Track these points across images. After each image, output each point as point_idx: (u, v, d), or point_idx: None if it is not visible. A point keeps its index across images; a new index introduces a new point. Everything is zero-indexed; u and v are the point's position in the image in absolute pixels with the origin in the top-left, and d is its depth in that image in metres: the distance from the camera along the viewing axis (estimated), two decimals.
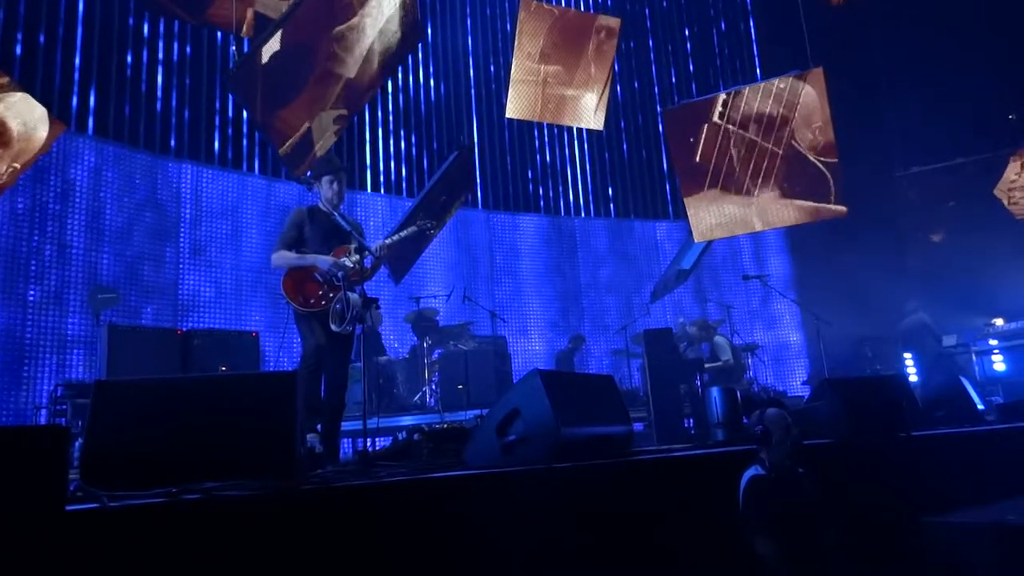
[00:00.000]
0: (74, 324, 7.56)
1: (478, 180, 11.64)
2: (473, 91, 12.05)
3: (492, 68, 12.22)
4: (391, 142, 11.15)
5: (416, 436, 3.88)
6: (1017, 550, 3.31)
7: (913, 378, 9.05)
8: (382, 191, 10.85)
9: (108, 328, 6.35)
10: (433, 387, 8.07)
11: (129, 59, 8.78)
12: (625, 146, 13.20)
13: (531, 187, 12.31)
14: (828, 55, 10.24)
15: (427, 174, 11.16)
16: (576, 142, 12.92)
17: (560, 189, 12.58)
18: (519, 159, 12.33)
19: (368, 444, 4.34)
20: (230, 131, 9.59)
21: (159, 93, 8.96)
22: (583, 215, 12.65)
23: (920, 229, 12.53)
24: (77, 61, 8.30)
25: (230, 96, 9.29)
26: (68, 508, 1.98)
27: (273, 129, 7.47)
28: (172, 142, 8.97)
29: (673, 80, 13.47)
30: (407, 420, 7.32)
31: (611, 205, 12.92)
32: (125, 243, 8.12)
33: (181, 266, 8.61)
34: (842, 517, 3.26)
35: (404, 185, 11.10)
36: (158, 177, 8.62)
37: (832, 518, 3.21)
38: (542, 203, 12.34)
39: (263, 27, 7.53)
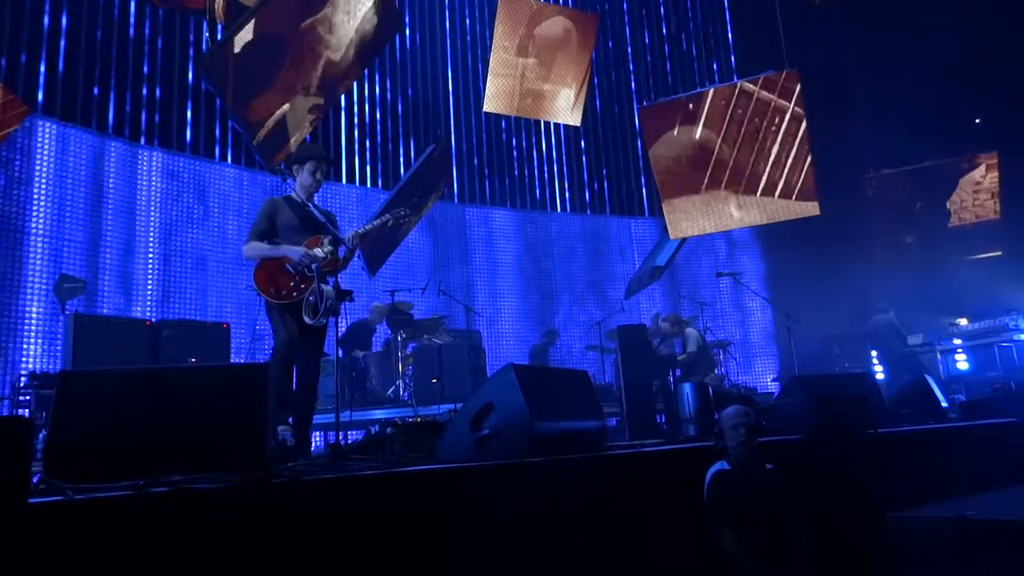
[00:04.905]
0: (38, 313, 7.38)
1: (454, 174, 11.60)
2: (451, 88, 11.99)
3: (471, 60, 12.17)
4: (366, 133, 11.06)
5: (389, 430, 3.86)
6: (978, 545, 3.39)
7: (880, 376, 9.22)
8: (356, 183, 10.77)
9: (74, 318, 6.23)
10: (407, 381, 8.03)
11: (98, 42, 8.57)
12: (601, 142, 13.23)
13: (506, 181, 12.28)
14: (801, 57, 10.36)
15: (403, 167, 11.11)
16: (553, 137, 12.92)
17: (536, 184, 12.58)
18: (495, 153, 12.31)
19: (340, 437, 4.31)
20: (203, 118, 9.43)
21: (129, 78, 8.77)
22: (559, 210, 12.67)
23: (888, 229, 12.76)
24: (44, 43, 8.10)
25: (203, 83, 9.13)
26: (31, 501, 1.93)
27: (245, 118, 7.36)
28: (142, 128, 8.80)
29: (650, 79, 13.53)
30: (380, 414, 7.28)
31: (587, 201, 12.96)
32: (91, 231, 7.95)
33: (151, 256, 8.46)
34: (808, 512, 3.31)
35: (380, 177, 11.02)
36: (127, 164, 8.45)
37: (798, 513, 3.26)
38: (518, 198, 12.34)
39: (237, 13, 7.41)
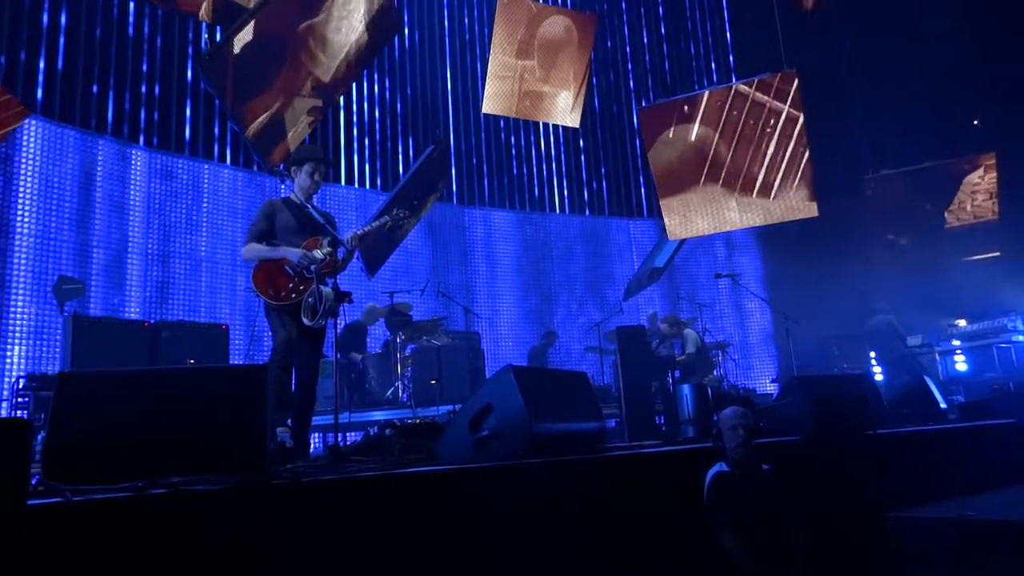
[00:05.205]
0: (37, 315, 7.36)
1: (453, 174, 11.60)
2: (449, 89, 12.00)
3: (469, 59, 12.17)
4: (365, 132, 11.05)
5: (388, 431, 3.86)
6: (977, 545, 3.39)
7: (879, 377, 9.22)
8: (355, 182, 10.77)
9: (72, 319, 6.23)
10: (406, 382, 8.03)
11: (97, 42, 8.57)
12: (600, 142, 13.23)
13: (505, 181, 12.28)
14: (800, 58, 10.37)
15: (402, 166, 11.12)
16: (552, 137, 12.92)
17: (535, 184, 12.58)
18: (494, 152, 12.31)
19: (339, 439, 4.31)
20: (201, 119, 9.42)
21: (128, 77, 8.77)
22: (558, 211, 12.67)
23: (887, 230, 12.77)
24: (43, 44, 8.09)
25: (202, 83, 9.13)
26: (30, 503, 1.93)
27: (244, 119, 7.35)
28: (141, 126, 8.79)
29: (649, 80, 13.55)
30: (379, 415, 7.27)
31: (586, 202, 12.96)
32: (88, 232, 7.94)
33: (149, 256, 8.45)
34: (808, 513, 3.31)
35: (378, 176, 11.02)
36: (126, 164, 8.44)
37: (798, 513, 3.26)
38: (516, 198, 12.34)
39: (235, 15, 7.40)
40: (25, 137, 7.55)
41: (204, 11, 7.51)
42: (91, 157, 8.15)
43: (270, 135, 7.45)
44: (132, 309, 8.14)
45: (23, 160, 7.50)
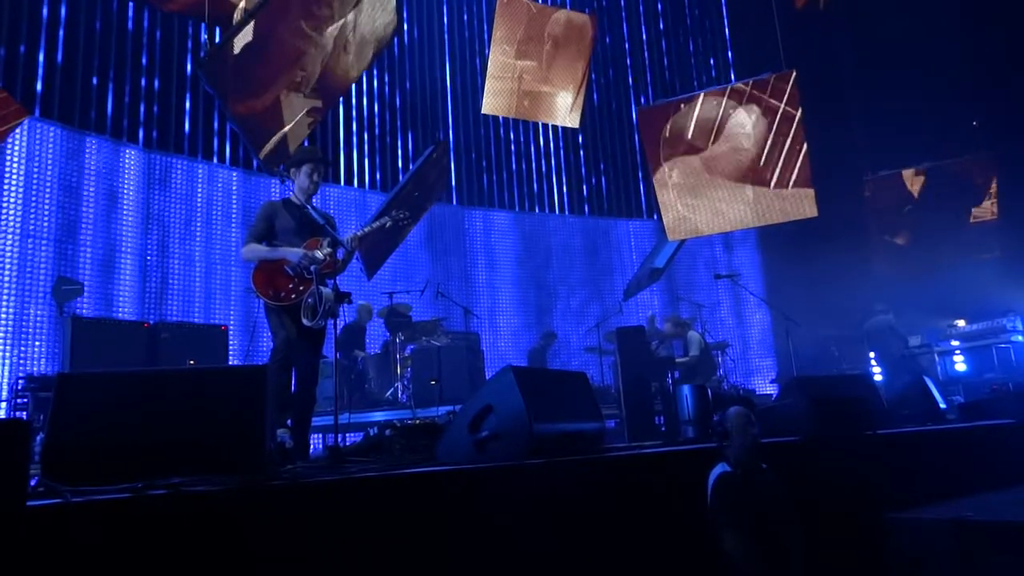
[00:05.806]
0: (36, 316, 7.35)
1: (452, 176, 11.60)
2: (449, 85, 11.99)
3: (468, 56, 12.17)
4: (364, 127, 11.05)
5: (388, 432, 3.86)
6: (977, 546, 3.39)
7: (878, 377, 9.22)
8: (355, 178, 10.78)
9: (72, 320, 6.23)
10: (405, 383, 8.03)
11: (97, 43, 8.56)
12: (599, 140, 13.23)
13: (504, 177, 12.27)
14: (798, 59, 10.37)
15: (401, 162, 11.12)
16: (551, 135, 12.92)
17: (534, 183, 12.58)
18: (493, 150, 12.31)
19: (339, 440, 4.31)
20: (201, 113, 9.41)
21: (127, 79, 8.76)
22: (557, 212, 12.67)
23: (886, 231, 12.78)
24: (42, 44, 8.09)
25: (201, 84, 9.12)
26: (29, 504, 1.93)
27: (244, 119, 7.35)
28: (140, 123, 8.79)
29: (648, 76, 13.56)
30: (379, 416, 7.27)
31: (585, 203, 12.96)
32: (87, 233, 7.93)
33: (149, 258, 8.45)
34: (807, 513, 3.31)
35: (378, 179, 11.03)
36: (124, 166, 8.44)
37: (797, 514, 3.26)
38: (516, 199, 12.34)
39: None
40: (19, 136, 7.51)
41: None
42: (86, 156, 8.12)
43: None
44: (127, 309, 8.12)
45: (17, 160, 7.47)
